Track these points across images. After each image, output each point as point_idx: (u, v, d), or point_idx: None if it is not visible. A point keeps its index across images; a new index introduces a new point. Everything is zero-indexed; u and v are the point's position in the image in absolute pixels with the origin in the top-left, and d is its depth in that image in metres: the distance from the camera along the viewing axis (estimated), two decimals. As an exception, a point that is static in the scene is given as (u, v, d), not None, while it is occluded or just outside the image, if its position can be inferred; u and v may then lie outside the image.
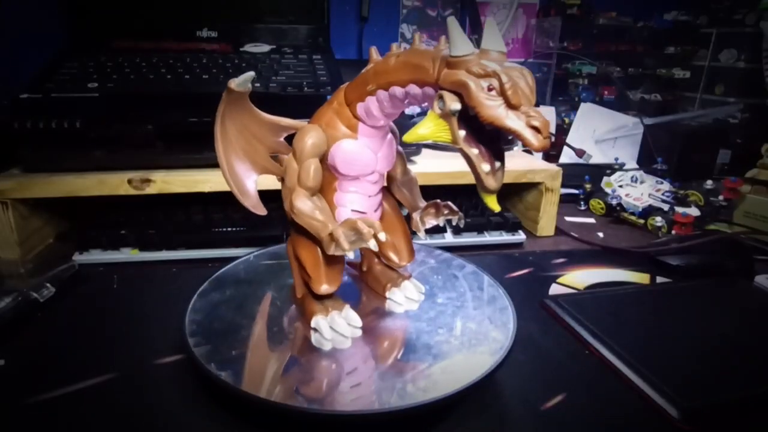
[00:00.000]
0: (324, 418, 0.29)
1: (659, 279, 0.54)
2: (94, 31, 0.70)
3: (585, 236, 0.65)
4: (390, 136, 0.36)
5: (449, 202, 0.40)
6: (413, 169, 0.41)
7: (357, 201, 0.36)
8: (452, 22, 0.27)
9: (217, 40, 0.73)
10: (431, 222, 0.40)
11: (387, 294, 0.40)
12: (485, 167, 0.28)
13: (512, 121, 0.26)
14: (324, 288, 0.35)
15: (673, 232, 0.65)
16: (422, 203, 0.40)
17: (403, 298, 0.40)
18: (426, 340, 0.35)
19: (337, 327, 0.35)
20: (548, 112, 0.97)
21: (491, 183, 0.28)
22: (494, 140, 0.28)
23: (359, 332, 0.36)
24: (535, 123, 0.25)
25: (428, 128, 0.28)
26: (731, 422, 0.33)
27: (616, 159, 0.87)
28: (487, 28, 0.27)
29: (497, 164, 0.28)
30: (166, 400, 0.33)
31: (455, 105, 0.27)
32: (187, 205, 0.59)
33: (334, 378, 0.31)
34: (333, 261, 0.35)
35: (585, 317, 0.43)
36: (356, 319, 0.36)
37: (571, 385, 0.36)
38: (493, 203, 0.29)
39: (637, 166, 0.79)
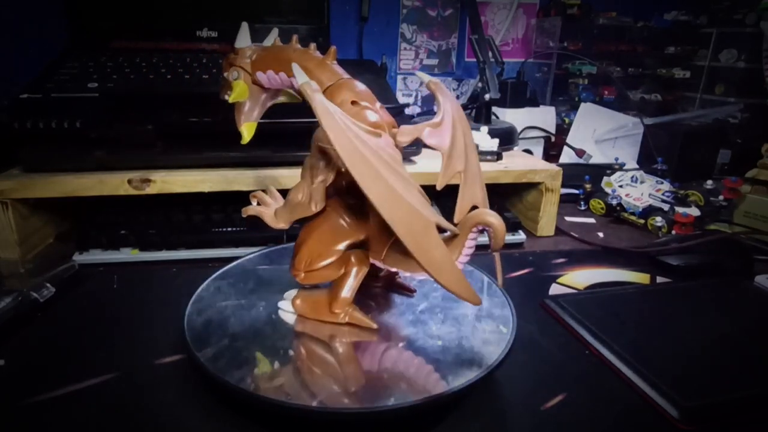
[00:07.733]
0: (323, 416, 0.29)
1: (659, 279, 0.54)
2: (94, 31, 0.70)
3: (585, 236, 0.65)
4: None
5: None
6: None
7: None
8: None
9: (217, 40, 0.73)
10: None
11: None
12: None
13: None
14: None
15: (674, 232, 0.65)
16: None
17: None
18: (425, 340, 0.35)
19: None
20: (548, 112, 0.97)
21: None
22: None
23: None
24: None
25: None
26: (731, 422, 0.33)
27: (616, 159, 0.87)
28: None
29: None
30: (166, 400, 0.33)
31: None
32: (187, 205, 0.59)
33: (332, 376, 0.31)
34: None
35: (585, 317, 0.43)
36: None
37: (571, 385, 0.36)
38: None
39: (637, 166, 0.79)
